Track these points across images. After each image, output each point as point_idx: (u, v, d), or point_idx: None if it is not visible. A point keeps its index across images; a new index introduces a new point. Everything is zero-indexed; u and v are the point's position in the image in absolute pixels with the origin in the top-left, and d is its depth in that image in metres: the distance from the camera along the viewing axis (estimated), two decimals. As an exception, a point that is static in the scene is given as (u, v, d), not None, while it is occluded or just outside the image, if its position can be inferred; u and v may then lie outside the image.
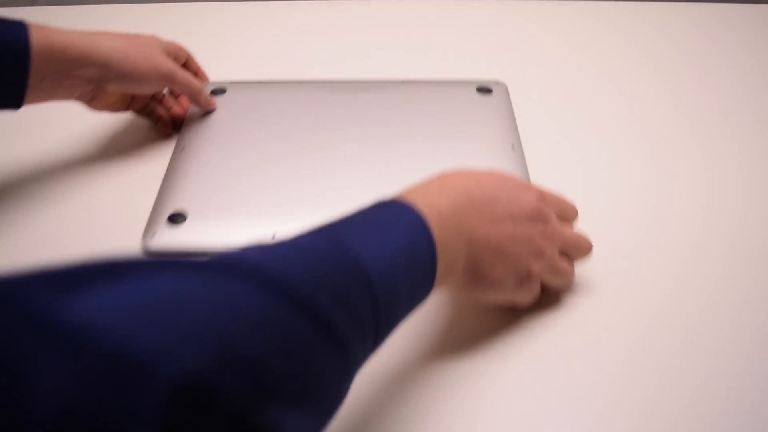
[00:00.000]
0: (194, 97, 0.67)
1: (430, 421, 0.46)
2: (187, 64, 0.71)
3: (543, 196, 0.51)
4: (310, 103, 0.70)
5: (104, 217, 0.62)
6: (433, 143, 0.65)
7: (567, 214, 0.53)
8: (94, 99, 0.63)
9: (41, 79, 0.58)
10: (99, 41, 0.60)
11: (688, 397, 0.47)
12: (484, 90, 0.71)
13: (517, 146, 0.65)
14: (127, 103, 0.67)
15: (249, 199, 0.60)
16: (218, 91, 0.72)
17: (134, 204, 0.62)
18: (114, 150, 0.69)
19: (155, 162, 0.66)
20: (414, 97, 0.70)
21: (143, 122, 0.71)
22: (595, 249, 0.52)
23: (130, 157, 0.68)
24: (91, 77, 0.60)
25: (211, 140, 0.66)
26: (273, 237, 0.57)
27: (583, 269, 0.54)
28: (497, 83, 0.73)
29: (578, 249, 0.52)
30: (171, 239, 0.57)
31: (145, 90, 0.65)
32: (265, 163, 0.63)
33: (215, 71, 0.75)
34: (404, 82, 0.73)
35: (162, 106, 0.70)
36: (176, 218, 0.59)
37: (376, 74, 0.77)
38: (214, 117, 0.69)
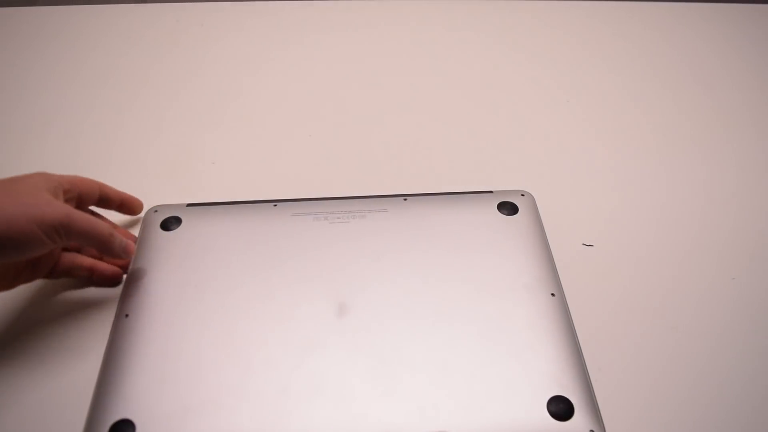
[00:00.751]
0: (103, 247, 0.49)
1: None
2: (105, 197, 0.54)
3: None
4: (290, 236, 0.55)
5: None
6: (451, 296, 0.50)
7: None
8: None
9: None
10: None
11: (684, 396, 0.48)
12: (508, 206, 0.57)
13: (557, 291, 0.51)
14: (21, 270, 0.49)
15: (216, 395, 0.45)
16: (171, 223, 0.56)
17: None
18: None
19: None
20: (421, 220, 0.56)
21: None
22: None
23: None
24: None
25: (163, 303, 0.50)
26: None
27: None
28: (522, 194, 0.58)
29: None
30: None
31: (34, 254, 0.46)
32: (235, 339, 0.48)
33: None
34: (407, 198, 0.58)
35: (86, 255, 0.53)
36: (120, 431, 0.44)
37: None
38: (168, 265, 0.53)
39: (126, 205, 0.56)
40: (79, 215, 0.47)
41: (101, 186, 0.54)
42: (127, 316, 0.50)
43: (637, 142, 0.69)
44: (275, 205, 0.57)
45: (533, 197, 0.58)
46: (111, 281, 0.53)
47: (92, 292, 0.54)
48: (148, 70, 0.78)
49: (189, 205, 0.58)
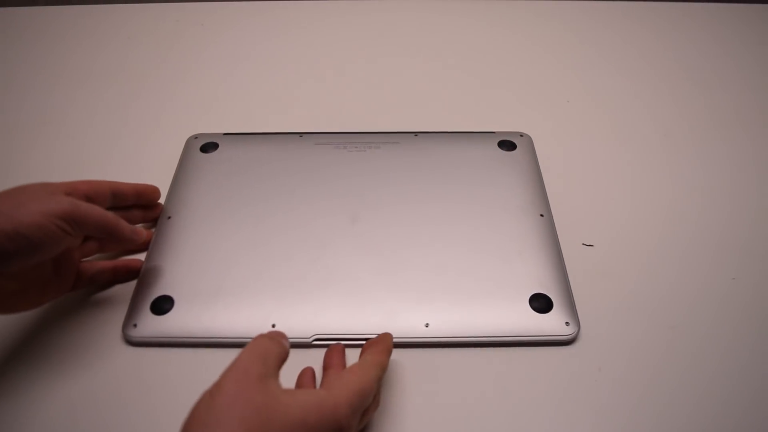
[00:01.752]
0: (112, 232, 0.48)
1: None
2: (118, 193, 0.53)
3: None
4: (313, 160, 0.62)
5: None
6: (451, 211, 0.57)
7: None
8: None
9: None
10: None
11: (682, 395, 0.48)
12: (507, 144, 0.64)
13: (546, 213, 0.58)
14: (48, 282, 0.48)
15: (244, 280, 0.52)
16: (209, 147, 0.64)
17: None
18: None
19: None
20: (429, 152, 0.63)
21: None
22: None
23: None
24: None
25: (201, 208, 0.58)
26: (273, 326, 0.50)
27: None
28: (521, 135, 0.65)
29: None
30: (155, 328, 0.50)
31: (51, 249, 0.44)
32: (262, 237, 0.55)
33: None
34: (417, 134, 0.65)
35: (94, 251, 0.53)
36: (161, 304, 0.51)
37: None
38: (206, 179, 0.61)
39: (143, 194, 0.55)
40: (84, 204, 0.46)
41: (111, 184, 0.52)
42: (169, 218, 0.58)
43: (638, 141, 0.69)
44: (301, 136, 0.65)
45: (531, 138, 0.65)
46: (135, 272, 0.54)
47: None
48: (148, 70, 0.79)
49: (225, 134, 0.66)
